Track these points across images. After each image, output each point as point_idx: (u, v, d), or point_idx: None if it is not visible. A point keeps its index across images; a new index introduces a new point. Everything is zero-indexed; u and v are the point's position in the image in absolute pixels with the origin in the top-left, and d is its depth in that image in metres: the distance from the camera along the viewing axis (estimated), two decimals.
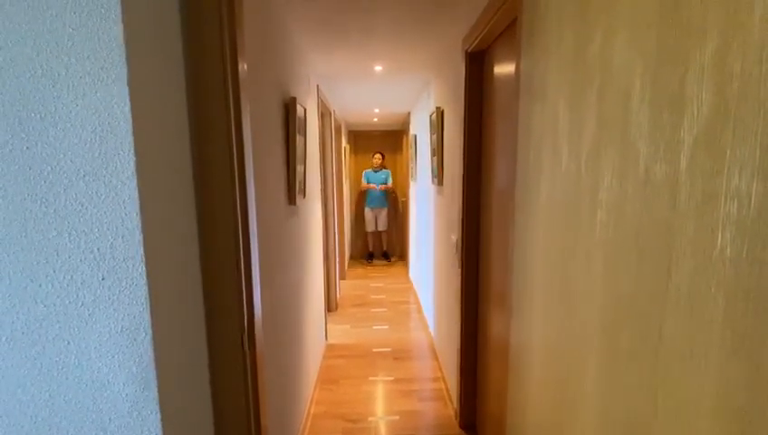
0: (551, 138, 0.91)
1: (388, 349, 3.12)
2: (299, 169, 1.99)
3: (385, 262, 6.03)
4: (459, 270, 2.03)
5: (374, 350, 3.11)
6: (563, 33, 0.84)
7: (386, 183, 5.73)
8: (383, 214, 5.86)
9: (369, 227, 5.91)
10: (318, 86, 2.91)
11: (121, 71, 0.61)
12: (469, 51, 1.80)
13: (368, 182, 5.77)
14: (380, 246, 6.10)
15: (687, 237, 0.48)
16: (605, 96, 0.68)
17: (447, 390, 2.48)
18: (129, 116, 0.62)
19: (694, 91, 0.47)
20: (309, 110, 2.44)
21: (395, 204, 6.09)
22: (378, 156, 5.66)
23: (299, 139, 1.96)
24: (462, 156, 1.92)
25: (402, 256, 6.08)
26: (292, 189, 1.89)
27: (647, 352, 0.57)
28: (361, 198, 5.99)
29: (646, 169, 0.57)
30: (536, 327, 1.03)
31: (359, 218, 6.11)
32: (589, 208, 0.74)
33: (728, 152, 0.43)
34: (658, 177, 0.54)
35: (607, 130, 0.68)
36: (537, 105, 0.99)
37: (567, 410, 0.85)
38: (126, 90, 0.61)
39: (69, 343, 0.66)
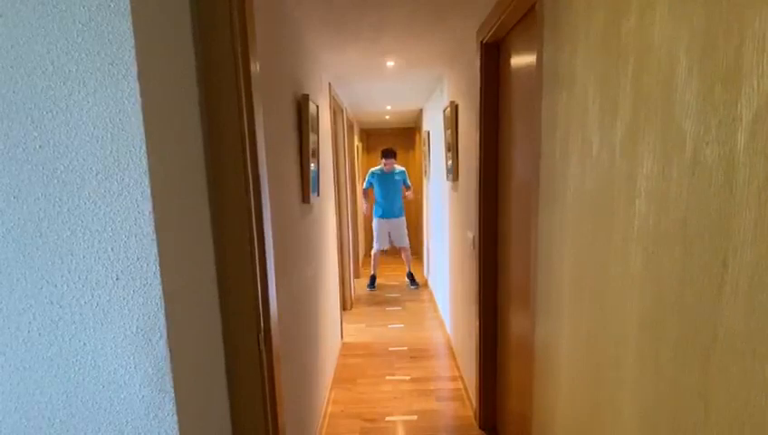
0: (579, 126, 0.87)
1: (405, 348, 3.09)
2: (312, 166, 1.97)
3: (410, 287, 4.44)
4: (476, 267, 1.98)
5: (390, 349, 3.08)
6: (592, 13, 0.79)
7: (404, 185, 4.37)
8: (401, 225, 4.32)
9: (381, 245, 4.31)
10: (330, 84, 2.89)
11: (131, 66, 0.60)
12: (484, 42, 1.75)
13: (373, 188, 4.36)
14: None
15: (747, 225, 0.44)
16: (642, 76, 0.63)
17: (466, 389, 2.44)
18: (139, 112, 0.61)
19: (753, 61, 0.42)
20: (321, 107, 2.43)
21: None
22: (385, 160, 4.21)
23: (312, 136, 1.95)
24: (478, 150, 1.87)
25: (417, 253, 5.93)
26: (306, 187, 1.88)
27: (697, 353, 0.53)
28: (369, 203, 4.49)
29: (694, 151, 0.52)
30: (565, 326, 0.98)
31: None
32: (625, 198, 0.69)
33: None
34: (710, 159, 0.49)
35: (645, 112, 0.63)
36: (562, 92, 0.95)
37: (602, 413, 0.81)
38: (136, 85, 0.60)
39: (85, 344, 0.65)
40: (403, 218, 4.41)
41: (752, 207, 0.43)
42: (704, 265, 0.51)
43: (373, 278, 4.49)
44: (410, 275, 4.53)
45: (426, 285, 4.64)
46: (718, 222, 0.49)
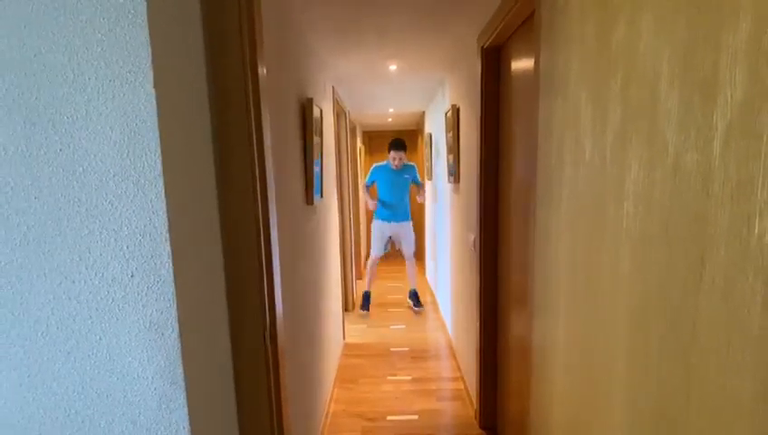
0: (573, 131, 0.90)
1: (406, 348, 3.11)
2: (316, 169, 2.01)
3: (414, 308, 3.74)
4: (477, 268, 2.01)
5: (392, 349, 3.11)
6: (585, 24, 0.82)
7: (414, 183, 3.72)
8: (407, 230, 3.68)
9: (379, 251, 3.65)
10: (333, 87, 2.93)
11: (147, 74, 0.63)
12: (485, 47, 1.78)
13: (375, 185, 3.69)
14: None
15: (722, 226, 0.47)
16: (630, 85, 0.67)
17: (467, 390, 2.46)
18: (155, 118, 0.64)
19: (727, 73, 0.46)
20: (325, 111, 2.47)
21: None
22: (394, 153, 3.56)
23: (316, 139, 1.98)
24: (479, 153, 1.90)
25: (420, 258, 5.91)
26: (310, 190, 1.91)
27: (678, 347, 0.56)
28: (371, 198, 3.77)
29: (675, 157, 0.55)
30: (561, 325, 1.01)
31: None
32: (614, 201, 0.72)
33: (765, 136, 0.41)
34: (689, 165, 0.52)
35: (632, 120, 0.66)
36: (558, 98, 0.98)
37: (595, 410, 0.84)
38: (152, 92, 0.63)
39: (101, 337, 0.68)
40: (410, 223, 3.75)
41: (726, 210, 0.47)
42: (684, 265, 0.54)
43: (367, 296, 3.70)
44: (414, 295, 3.81)
45: (427, 286, 4.64)
46: (697, 223, 0.52)
